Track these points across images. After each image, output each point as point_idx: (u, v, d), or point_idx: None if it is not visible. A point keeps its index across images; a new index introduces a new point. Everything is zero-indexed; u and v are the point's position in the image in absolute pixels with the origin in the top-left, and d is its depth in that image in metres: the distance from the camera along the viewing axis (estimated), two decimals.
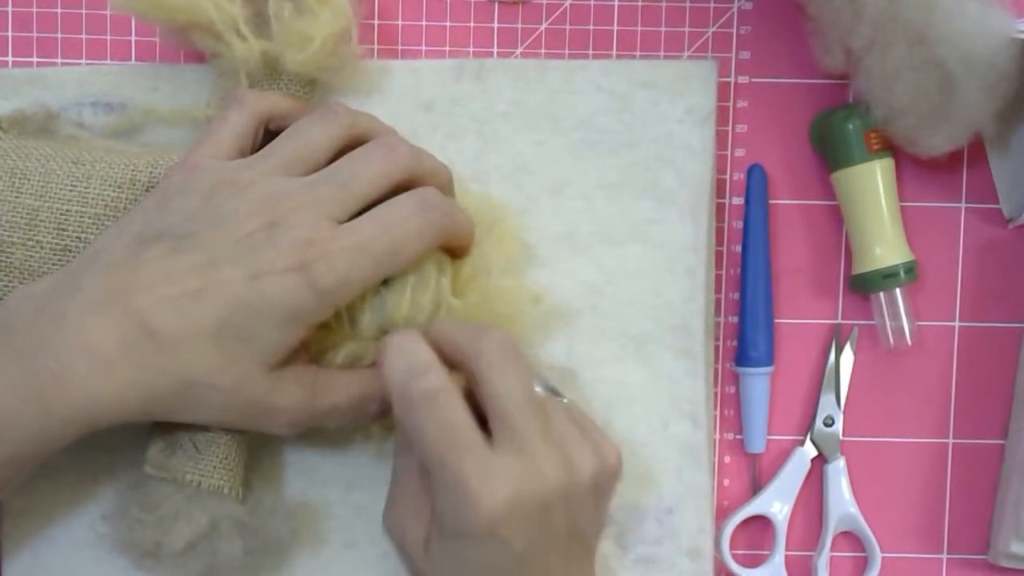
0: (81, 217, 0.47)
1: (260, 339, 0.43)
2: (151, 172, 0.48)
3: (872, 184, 0.53)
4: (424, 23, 0.55)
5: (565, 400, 0.47)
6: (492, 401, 0.42)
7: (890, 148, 0.53)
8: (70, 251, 0.47)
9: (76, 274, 0.43)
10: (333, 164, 0.46)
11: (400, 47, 0.55)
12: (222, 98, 0.50)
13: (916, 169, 0.55)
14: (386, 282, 0.46)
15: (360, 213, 0.44)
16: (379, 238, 0.43)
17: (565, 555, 0.43)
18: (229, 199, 0.44)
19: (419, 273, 0.47)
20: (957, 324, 0.56)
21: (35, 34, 0.54)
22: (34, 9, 0.54)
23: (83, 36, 0.54)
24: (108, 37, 0.54)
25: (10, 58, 0.54)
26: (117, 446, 0.50)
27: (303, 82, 0.50)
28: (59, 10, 0.54)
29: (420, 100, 0.53)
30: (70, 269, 0.44)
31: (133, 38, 0.54)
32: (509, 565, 0.42)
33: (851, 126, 0.52)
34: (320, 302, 0.43)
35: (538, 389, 0.46)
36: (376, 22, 0.54)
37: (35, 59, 0.54)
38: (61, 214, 0.47)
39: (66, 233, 0.47)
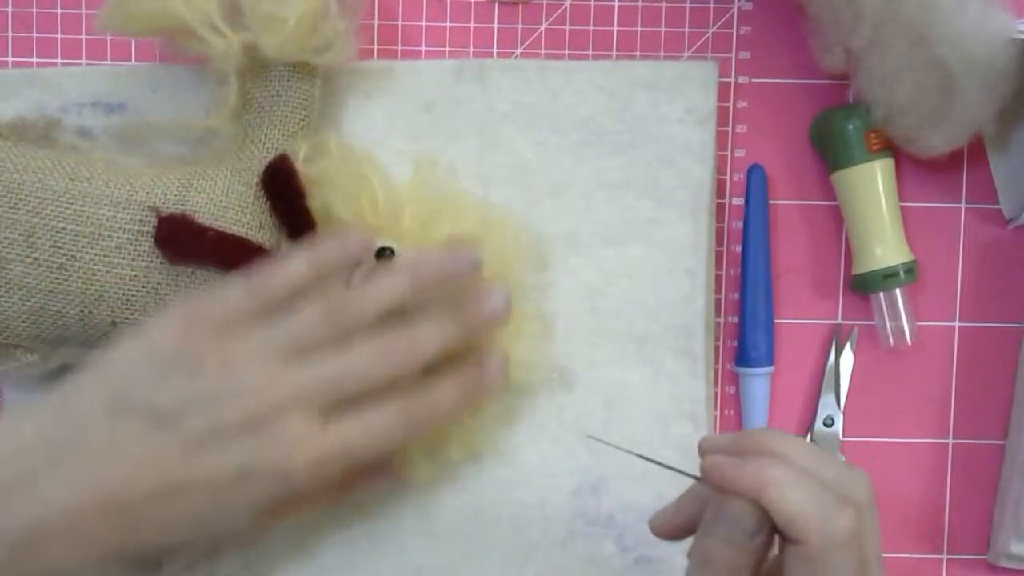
0: (76, 236, 0.47)
1: (235, 522, 0.43)
2: (148, 192, 0.48)
3: (872, 184, 0.53)
4: (424, 23, 0.55)
5: None
6: (867, 549, 0.40)
7: (890, 148, 0.53)
8: (65, 270, 0.47)
9: (52, 437, 0.41)
10: (327, 358, 0.44)
11: (400, 47, 0.55)
12: (221, 107, 0.50)
13: (916, 169, 0.55)
14: None
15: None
16: (363, 442, 0.43)
17: None
18: (220, 380, 0.42)
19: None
20: (957, 324, 0.56)
21: (35, 34, 0.54)
22: (34, 9, 0.54)
23: (83, 36, 0.54)
24: (108, 37, 0.54)
25: (10, 58, 0.54)
26: None
27: (300, 74, 0.49)
28: (59, 10, 0.54)
29: (420, 100, 0.53)
30: (45, 417, 0.42)
31: (133, 39, 0.54)
32: None
33: (851, 126, 0.52)
34: (291, 496, 0.42)
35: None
36: (376, 22, 0.54)
37: (35, 59, 0.54)
38: (57, 232, 0.47)
39: (61, 251, 0.47)
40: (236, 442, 0.41)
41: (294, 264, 0.45)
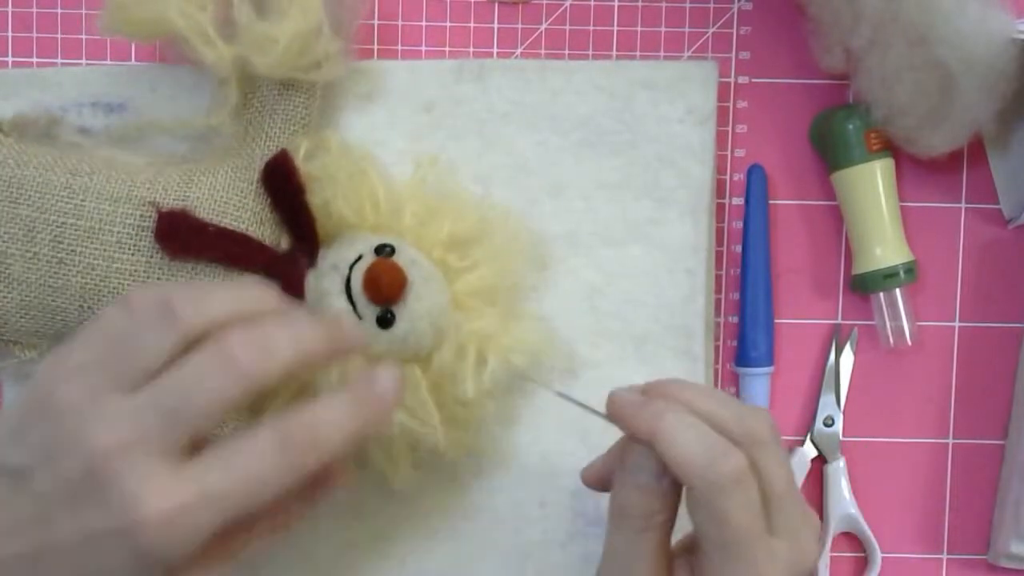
0: (76, 231, 0.47)
1: None
2: (148, 188, 0.48)
3: (872, 184, 0.53)
4: (424, 23, 0.55)
5: None
6: (772, 483, 0.41)
7: (890, 148, 0.53)
8: (65, 264, 0.47)
9: None
10: (162, 378, 0.36)
11: (400, 47, 0.55)
12: (222, 106, 0.50)
13: (916, 169, 0.55)
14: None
15: None
16: (227, 488, 0.35)
17: None
18: (56, 427, 0.36)
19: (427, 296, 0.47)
20: (957, 324, 0.56)
21: (35, 34, 0.54)
22: (34, 9, 0.54)
23: (83, 36, 0.54)
24: (108, 37, 0.54)
25: (10, 58, 0.54)
26: None
27: (298, 87, 0.49)
28: (59, 10, 0.54)
29: (420, 101, 0.53)
30: None
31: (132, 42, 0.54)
32: None
33: (851, 126, 0.52)
34: (161, 566, 0.35)
35: None
36: (376, 22, 0.54)
37: (35, 59, 0.54)
38: (57, 227, 0.47)
39: (61, 246, 0.47)
40: (84, 500, 0.35)
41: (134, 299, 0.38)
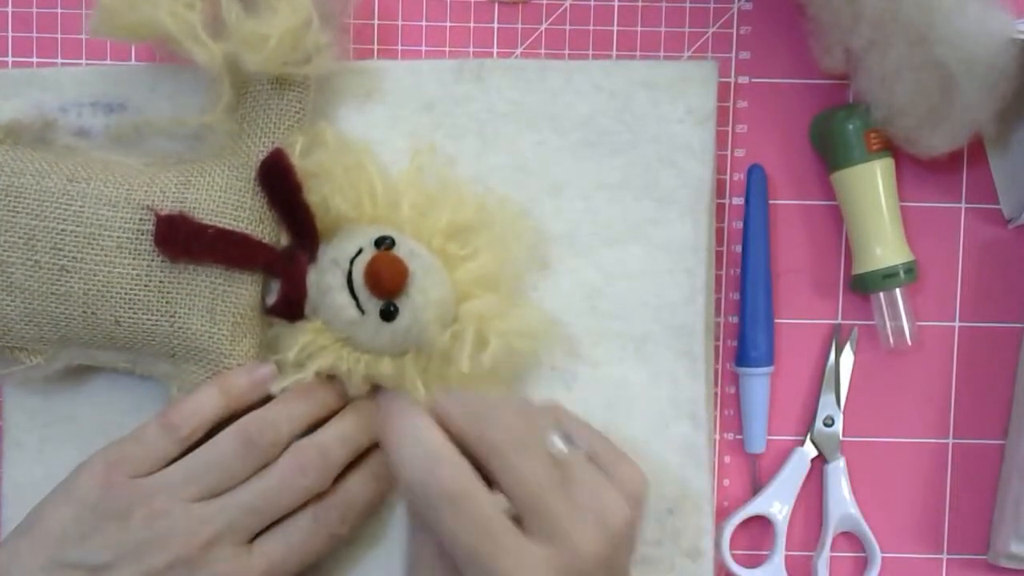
0: (76, 237, 0.47)
1: None
2: (146, 191, 0.48)
3: (872, 184, 0.53)
4: (424, 23, 0.55)
5: (581, 449, 0.46)
6: (512, 490, 0.42)
7: (890, 148, 0.53)
8: (67, 271, 0.47)
9: None
10: (246, 487, 0.46)
11: (400, 47, 0.55)
12: (216, 104, 0.50)
13: (916, 169, 0.55)
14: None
15: None
16: (287, 557, 0.46)
17: None
18: (145, 529, 0.44)
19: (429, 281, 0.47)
20: (957, 324, 0.56)
21: (35, 34, 0.54)
22: (34, 9, 0.54)
23: (83, 36, 0.54)
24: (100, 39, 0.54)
25: (10, 58, 0.54)
26: None
27: (291, 82, 0.49)
28: (59, 10, 0.54)
29: (420, 100, 0.53)
30: None
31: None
32: None
33: (851, 126, 0.52)
34: None
35: (556, 443, 0.45)
36: (376, 22, 0.54)
37: (35, 59, 0.54)
38: (57, 234, 0.47)
39: (62, 253, 0.47)
40: None
41: (206, 397, 0.47)
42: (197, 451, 0.46)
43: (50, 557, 0.44)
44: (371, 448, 0.49)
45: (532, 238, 0.53)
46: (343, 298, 0.47)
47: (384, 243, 0.48)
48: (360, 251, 0.48)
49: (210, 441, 0.46)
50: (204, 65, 0.47)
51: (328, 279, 0.48)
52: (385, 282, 0.47)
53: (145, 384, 0.52)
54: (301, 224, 0.49)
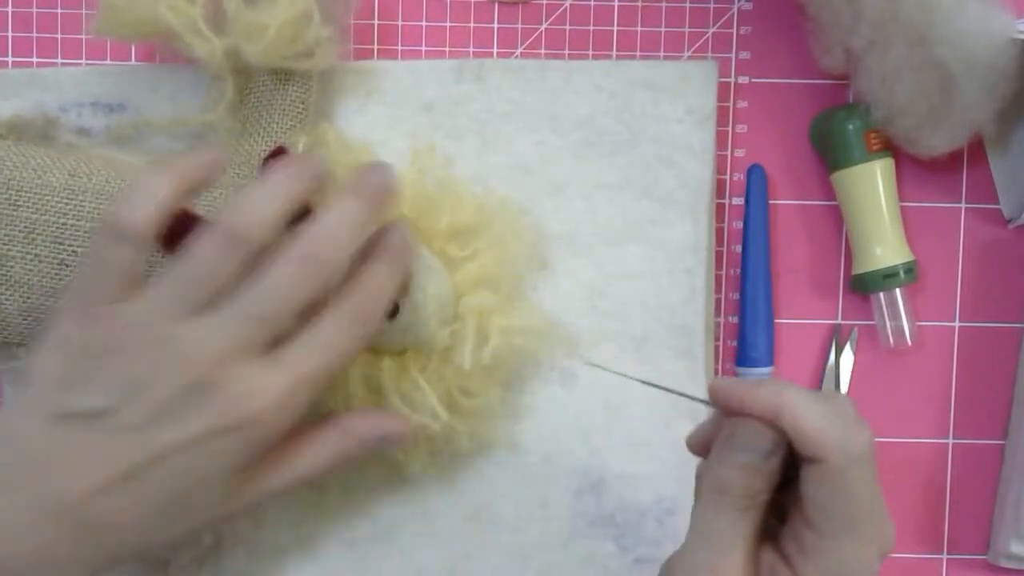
0: (76, 232, 0.47)
1: (207, 495, 0.41)
2: None
3: (872, 184, 0.53)
4: (424, 23, 0.55)
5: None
6: (847, 503, 0.40)
7: (890, 148, 0.53)
8: (67, 265, 0.47)
9: None
10: (246, 291, 0.40)
11: (400, 47, 0.55)
12: (218, 102, 0.50)
13: (916, 169, 0.55)
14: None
15: None
16: (315, 366, 0.41)
17: None
18: (144, 359, 0.39)
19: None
20: (957, 324, 0.56)
21: (35, 34, 0.54)
22: (34, 9, 0.54)
23: (83, 36, 0.54)
24: (102, 39, 0.54)
25: (10, 58, 0.54)
26: None
27: (293, 79, 0.49)
28: (59, 10, 0.54)
29: (420, 100, 0.53)
30: None
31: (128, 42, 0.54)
32: None
33: (851, 126, 0.52)
34: (267, 445, 0.41)
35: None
36: (376, 22, 0.54)
37: (35, 59, 0.54)
38: (58, 228, 0.47)
39: (63, 247, 0.47)
40: (187, 411, 0.39)
41: (154, 185, 0.40)
42: (175, 262, 0.40)
43: (47, 413, 0.39)
44: (380, 232, 0.45)
45: (532, 238, 0.53)
46: None
47: None
48: None
49: (187, 248, 0.41)
50: (205, 59, 0.47)
51: None
52: None
53: None
54: (302, 222, 0.49)
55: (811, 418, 0.39)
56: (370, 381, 0.48)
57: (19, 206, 0.47)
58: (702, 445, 0.44)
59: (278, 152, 0.49)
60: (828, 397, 0.40)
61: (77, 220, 0.47)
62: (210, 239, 0.40)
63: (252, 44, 0.47)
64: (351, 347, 0.42)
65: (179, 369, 0.39)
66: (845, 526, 0.39)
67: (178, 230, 0.47)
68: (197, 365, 0.39)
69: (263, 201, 0.41)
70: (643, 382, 0.46)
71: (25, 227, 0.47)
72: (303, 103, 0.50)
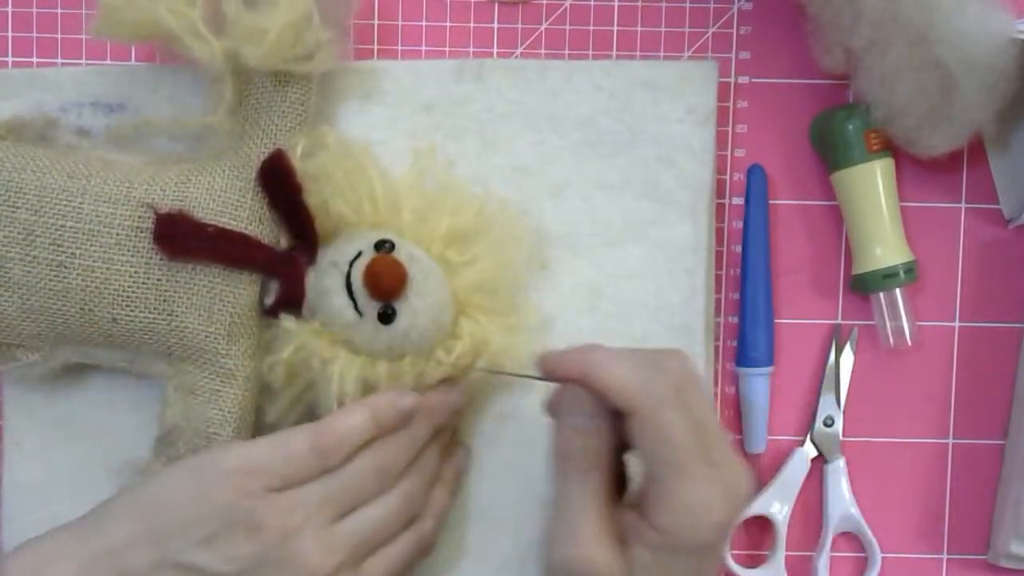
0: (75, 234, 0.47)
1: None
2: (146, 189, 0.48)
3: (872, 184, 0.53)
4: (424, 23, 0.55)
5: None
6: (694, 415, 0.42)
7: (890, 148, 0.53)
8: (65, 267, 0.47)
9: None
10: (369, 510, 0.46)
11: (400, 47, 0.55)
12: (218, 104, 0.50)
13: (916, 169, 0.55)
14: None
15: None
16: (388, 571, 0.47)
17: None
18: (276, 546, 0.43)
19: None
20: (957, 324, 0.56)
21: (35, 34, 0.54)
22: (34, 9, 0.54)
23: (83, 36, 0.54)
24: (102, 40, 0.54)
25: (10, 58, 0.54)
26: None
27: (293, 82, 0.49)
28: (59, 10, 0.54)
29: (420, 100, 0.53)
30: (84, 555, 0.43)
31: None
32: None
33: (851, 126, 0.52)
34: None
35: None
36: (376, 22, 0.54)
37: (35, 59, 0.54)
38: (56, 230, 0.47)
39: (61, 249, 0.47)
40: None
41: (358, 424, 0.46)
42: (339, 472, 0.46)
43: (165, 553, 0.43)
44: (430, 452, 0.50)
45: (532, 241, 0.53)
46: (341, 300, 0.47)
47: (384, 246, 0.48)
48: (359, 254, 0.48)
49: (350, 464, 0.46)
50: (205, 61, 0.47)
51: (327, 281, 0.48)
52: (384, 284, 0.47)
53: (144, 385, 0.52)
54: (300, 226, 0.49)
55: (616, 373, 0.42)
56: (366, 385, 0.48)
57: (18, 207, 0.47)
58: (553, 415, 0.47)
59: (276, 157, 0.49)
60: (635, 352, 0.43)
61: (76, 222, 0.47)
62: (369, 463, 0.46)
63: (252, 47, 0.47)
64: (416, 558, 0.49)
65: (305, 562, 0.44)
66: (674, 470, 0.41)
67: (177, 231, 0.47)
68: (320, 564, 0.44)
69: (404, 449, 0.48)
70: (524, 376, 0.48)
71: (24, 229, 0.47)
72: (303, 105, 0.50)
